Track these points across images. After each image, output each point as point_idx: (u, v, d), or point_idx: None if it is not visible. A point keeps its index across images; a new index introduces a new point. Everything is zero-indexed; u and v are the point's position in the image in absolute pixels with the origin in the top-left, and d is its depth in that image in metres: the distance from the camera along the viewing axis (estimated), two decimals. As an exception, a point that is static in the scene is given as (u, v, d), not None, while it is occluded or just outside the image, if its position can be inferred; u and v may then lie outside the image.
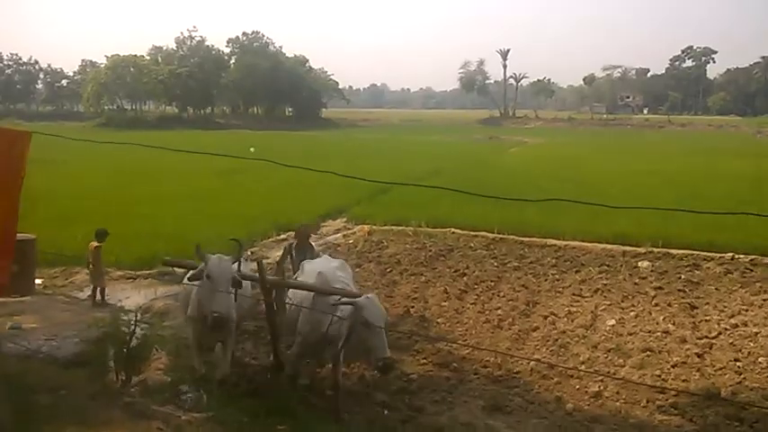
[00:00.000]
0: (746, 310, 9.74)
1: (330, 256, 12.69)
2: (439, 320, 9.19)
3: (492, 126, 70.61)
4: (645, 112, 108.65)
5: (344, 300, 5.60)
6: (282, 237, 14.36)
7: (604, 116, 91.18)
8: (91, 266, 9.68)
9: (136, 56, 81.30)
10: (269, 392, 6.10)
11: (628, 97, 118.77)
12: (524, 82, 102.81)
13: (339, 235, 14.84)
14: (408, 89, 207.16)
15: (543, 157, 31.43)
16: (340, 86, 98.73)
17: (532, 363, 7.64)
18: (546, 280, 11.36)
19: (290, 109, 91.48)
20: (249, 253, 11.31)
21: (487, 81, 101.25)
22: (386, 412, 6.29)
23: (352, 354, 6.00)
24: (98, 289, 9.65)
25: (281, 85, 79.69)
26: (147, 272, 10.96)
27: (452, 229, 14.56)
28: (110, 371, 6.17)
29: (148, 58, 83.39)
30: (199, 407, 5.77)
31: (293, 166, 5.71)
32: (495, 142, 45.20)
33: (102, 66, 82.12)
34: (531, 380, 7.24)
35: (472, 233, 14.32)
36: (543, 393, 6.92)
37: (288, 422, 5.35)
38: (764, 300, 10.22)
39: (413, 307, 9.77)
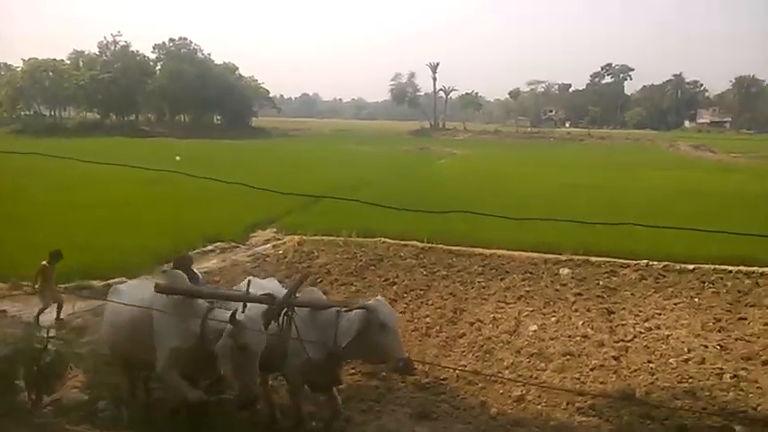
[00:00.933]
0: (659, 314, 10.29)
1: (259, 267, 12.68)
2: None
3: (422, 137, 71.69)
4: (567, 125, 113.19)
5: (356, 305, 5.47)
6: (210, 248, 14.06)
7: (529, 129, 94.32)
8: (37, 285, 9.37)
9: (55, 60, 77.84)
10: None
11: (551, 111, 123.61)
12: (453, 95, 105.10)
13: (269, 245, 14.66)
14: (340, 99, 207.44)
15: (471, 168, 32.19)
16: (271, 95, 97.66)
17: (458, 369, 7.78)
18: (473, 288, 11.63)
19: (218, 117, 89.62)
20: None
21: (418, 93, 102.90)
22: (314, 423, 6.25)
23: (359, 356, 5.96)
24: (56, 306, 9.41)
25: (210, 92, 77.94)
26: (64, 285, 10.46)
27: (382, 239, 14.69)
28: (20, 390, 5.84)
29: (69, 62, 79.90)
30: (117, 425, 5.55)
31: (201, 176, 5.66)
32: (425, 153, 45.89)
33: (19, 69, 78.11)
34: (458, 386, 7.37)
35: (402, 243, 14.50)
36: (469, 399, 7.06)
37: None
38: (676, 304, 10.83)
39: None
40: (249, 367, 4.74)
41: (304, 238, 14.89)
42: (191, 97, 77.96)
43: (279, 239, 15.18)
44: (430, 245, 14.40)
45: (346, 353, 5.49)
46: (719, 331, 9.46)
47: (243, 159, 32.79)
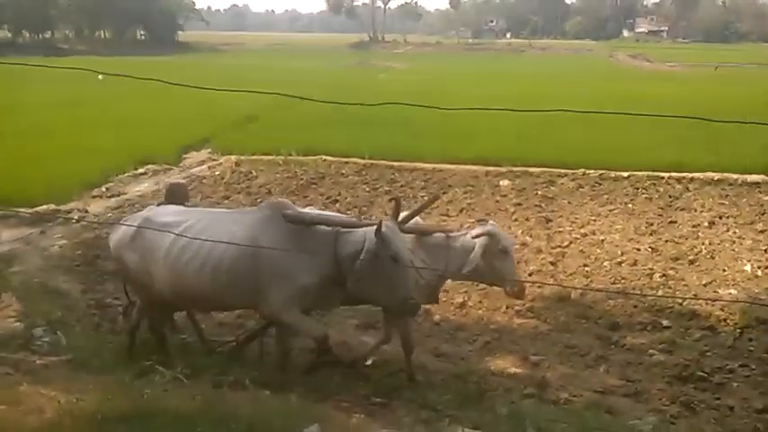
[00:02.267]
0: (595, 221, 10.65)
1: (195, 189, 12.31)
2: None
3: (362, 51, 69.84)
4: (507, 36, 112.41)
5: (477, 231, 5.13)
6: (141, 171, 13.53)
7: (470, 41, 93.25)
8: None
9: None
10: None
11: (492, 21, 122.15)
12: (392, 5, 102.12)
13: (204, 167, 14.21)
14: (273, 11, 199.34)
15: (412, 82, 31.72)
16: (197, 7, 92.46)
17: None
18: (415, 203, 11.66)
19: (142, 32, 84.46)
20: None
21: (355, 3, 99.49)
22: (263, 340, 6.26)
23: (472, 280, 5.77)
24: None
25: (131, 4, 72.96)
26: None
27: (323, 157, 14.46)
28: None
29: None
30: (57, 351, 5.40)
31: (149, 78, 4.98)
32: (365, 67, 44.84)
33: None
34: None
35: (343, 160, 14.33)
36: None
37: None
38: (610, 210, 11.21)
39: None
40: (406, 277, 4.46)
41: (241, 157, 14.49)
42: (111, 11, 72.90)
43: (215, 160, 14.72)
44: (372, 161, 14.29)
45: (458, 277, 5.38)
46: (651, 234, 9.89)
47: (171, 77, 31.18)
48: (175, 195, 5.81)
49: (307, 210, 5.20)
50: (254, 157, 14.54)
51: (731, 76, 38.77)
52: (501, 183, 12.94)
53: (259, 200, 11.58)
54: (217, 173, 13.62)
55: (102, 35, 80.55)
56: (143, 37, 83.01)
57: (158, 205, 5.61)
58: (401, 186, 12.66)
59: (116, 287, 7.59)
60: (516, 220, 10.67)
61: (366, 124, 16.85)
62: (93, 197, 11.67)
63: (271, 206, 4.76)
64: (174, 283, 4.65)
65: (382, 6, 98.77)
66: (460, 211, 11.10)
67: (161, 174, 13.62)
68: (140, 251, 4.77)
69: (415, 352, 5.99)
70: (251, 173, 13.48)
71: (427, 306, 7.18)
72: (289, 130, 16.89)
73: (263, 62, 46.82)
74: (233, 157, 14.50)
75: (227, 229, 4.55)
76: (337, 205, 11.33)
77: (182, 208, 5.24)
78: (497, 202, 11.69)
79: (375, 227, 4.34)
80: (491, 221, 5.47)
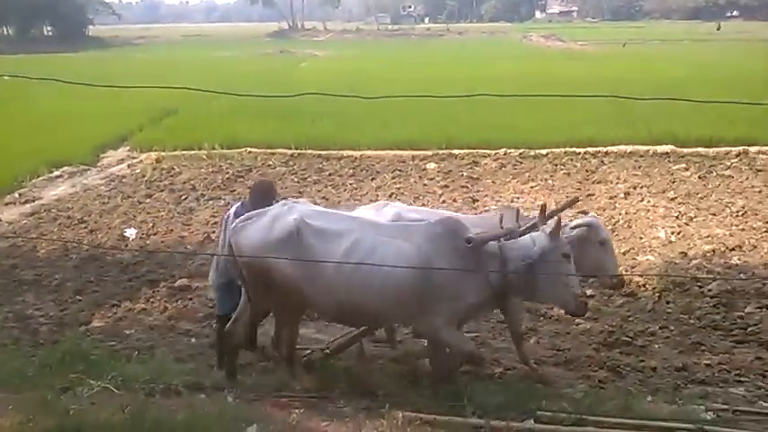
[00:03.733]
0: (518, 198, 10.96)
1: (115, 189, 11.82)
2: (241, 242, 9.00)
3: (282, 39, 68.66)
4: (426, 21, 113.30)
5: (577, 222, 4.99)
6: (56, 173, 12.87)
7: (390, 27, 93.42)
8: None
9: None
10: None
11: (410, 7, 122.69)
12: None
13: (123, 165, 13.66)
14: (187, 2, 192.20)
15: (335, 69, 31.51)
16: (108, 0, 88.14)
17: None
18: (345, 190, 11.67)
19: (49, 28, 79.73)
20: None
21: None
22: (192, 340, 6.12)
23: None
24: None
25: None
26: None
27: (248, 149, 14.20)
28: None
29: None
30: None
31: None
32: (286, 56, 44.10)
33: None
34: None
35: (269, 151, 14.12)
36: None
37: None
38: (532, 187, 11.56)
39: (213, 232, 9.43)
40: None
41: (162, 154, 14.01)
42: (13, 5, 68.24)
43: (134, 158, 14.17)
44: (299, 151, 14.16)
45: None
46: (571, 208, 10.26)
47: (80, 74, 29.68)
48: (266, 195, 5.28)
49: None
50: (175, 152, 14.10)
51: (638, 52, 40.69)
52: (428, 166, 13.11)
53: (184, 196, 11.26)
54: (137, 171, 13.12)
55: (5, 32, 75.47)
56: (50, 33, 78.33)
57: (242, 205, 5.22)
58: (329, 175, 12.61)
59: (37, 297, 7.24)
60: (444, 201, 10.84)
61: (291, 114, 16.64)
62: (6, 204, 11.01)
63: (443, 224, 4.50)
64: (336, 293, 4.31)
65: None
66: (389, 196, 11.14)
67: (78, 175, 13.00)
68: (295, 256, 4.29)
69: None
70: (174, 169, 13.07)
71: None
72: (210, 124, 16.45)
73: (180, 55, 45.32)
74: (153, 154, 14.00)
75: (396, 245, 4.30)
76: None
77: (330, 211, 4.93)
78: (425, 185, 11.84)
79: (540, 231, 4.30)
80: (591, 213, 5.29)
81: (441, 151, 13.90)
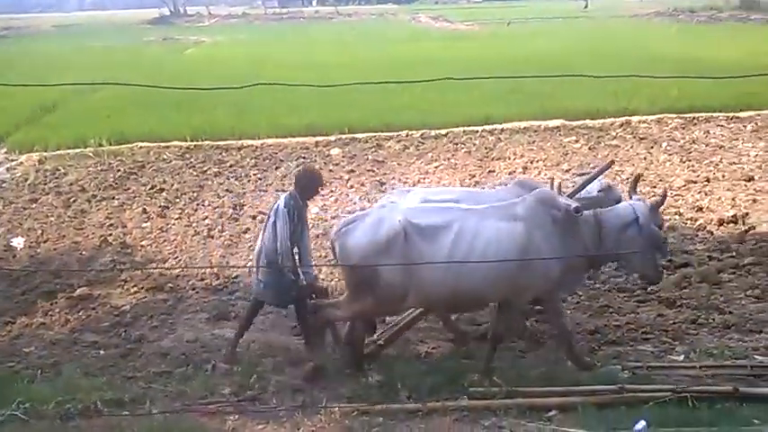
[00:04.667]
0: (424, 178, 11.14)
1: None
2: (143, 243, 8.54)
3: (164, 26, 65.01)
4: (314, 3, 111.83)
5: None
6: None
7: (277, 10, 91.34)
8: None
9: None
10: None
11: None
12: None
13: (2, 169, 12.52)
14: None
15: (227, 56, 30.41)
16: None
17: (249, 263, 7.65)
18: (249, 181, 11.35)
19: None
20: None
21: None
22: (101, 352, 5.73)
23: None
24: None
25: None
26: None
27: (139, 144, 13.46)
28: None
29: None
30: None
31: None
32: (171, 43, 41.96)
33: None
34: (251, 281, 7.27)
35: (163, 145, 13.46)
36: (264, 291, 7.02)
37: None
38: (436, 167, 11.78)
39: (110, 235, 8.89)
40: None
41: (44, 154, 12.95)
42: None
43: (13, 160, 13.01)
44: (195, 143, 13.58)
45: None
46: (475, 186, 10.55)
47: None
48: (312, 182, 5.40)
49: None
50: (59, 152, 13.08)
51: (521, 30, 42.32)
52: (332, 152, 13.01)
53: (72, 199, 10.49)
54: (18, 174, 12.07)
55: None
56: None
57: (290, 196, 5.33)
58: (231, 166, 12.21)
59: None
60: (352, 186, 10.82)
61: (183, 104, 15.89)
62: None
63: (538, 198, 4.63)
64: (446, 284, 4.43)
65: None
66: (296, 184, 10.97)
67: (-53, 183, 11.78)
68: (404, 256, 4.39)
69: (274, 334, 5.90)
70: (59, 170, 12.13)
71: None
72: (95, 119, 15.42)
73: (53, 46, 42.00)
74: (35, 155, 12.92)
75: (495, 227, 4.45)
76: (164, 194, 10.62)
77: (428, 205, 4.92)
78: (331, 171, 11.73)
79: (643, 201, 4.64)
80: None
81: (343, 136, 13.82)
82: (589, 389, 3.74)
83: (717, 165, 10.88)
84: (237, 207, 9.94)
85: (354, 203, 9.88)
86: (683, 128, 13.82)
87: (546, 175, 10.88)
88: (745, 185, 9.45)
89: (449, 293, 4.49)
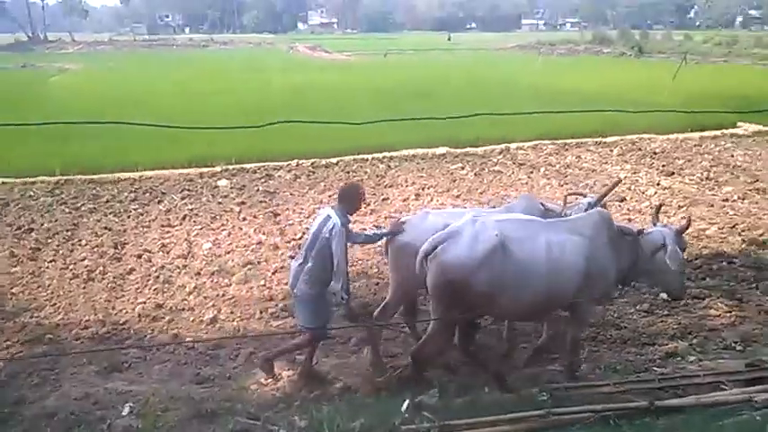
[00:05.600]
0: (318, 208, 10.88)
1: None
2: (13, 291, 7.62)
3: (22, 52, 60.44)
4: (186, 31, 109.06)
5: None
6: None
7: (147, 37, 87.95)
8: None
9: None
10: None
11: (167, 16, 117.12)
12: (51, 1, 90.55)
13: None
14: None
15: (95, 83, 28.66)
16: None
17: (138, 308, 7.08)
18: (129, 217, 10.60)
19: None
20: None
21: (4, 0, 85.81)
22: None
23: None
24: None
25: None
26: None
27: (1, 180, 12.22)
28: None
29: None
30: None
31: None
32: (31, 71, 38.98)
33: None
34: (142, 326, 6.71)
35: (29, 180, 12.32)
36: (159, 336, 6.50)
37: None
38: (330, 196, 11.63)
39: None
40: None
41: None
42: None
43: None
44: (66, 177, 12.54)
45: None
46: (371, 213, 10.56)
47: None
48: (355, 198, 5.33)
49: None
50: None
51: (398, 61, 43.74)
52: (219, 183, 12.51)
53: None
54: None
55: None
56: None
57: (333, 209, 5.22)
58: (107, 201, 11.36)
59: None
60: (245, 219, 10.42)
61: (51, 136, 14.62)
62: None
63: (601, 216, 5.11)
64: (534, 293, 4.73)
65: (40, 3, 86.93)
66: (183, 218, 10.40)
67: None
68: (501, 267, 4.62)
69: (175, 383, 5.45)
70: None
71: (173, 332, 6.60)
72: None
73: None
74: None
75: (572, 240, 4.87)
76: (34, 234, 9.63)
77: (512, 218, 5.15)
78: (220, 203, 11.27)
79: (669, 227, 5.19)
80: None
81: (231, 166, 13.38)
82: (517, 416, 3.74)
83: (591, 187, 11.67)
84: (119, 246, 9.20)
85: (249, 236, 9.51)
86: (557, 153, 14.77)
87: (438, 200, 11.14)
88: (619, 206, 10.16)
89: (536, 300, 4.80)
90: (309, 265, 5.12)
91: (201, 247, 9.03)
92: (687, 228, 5.22)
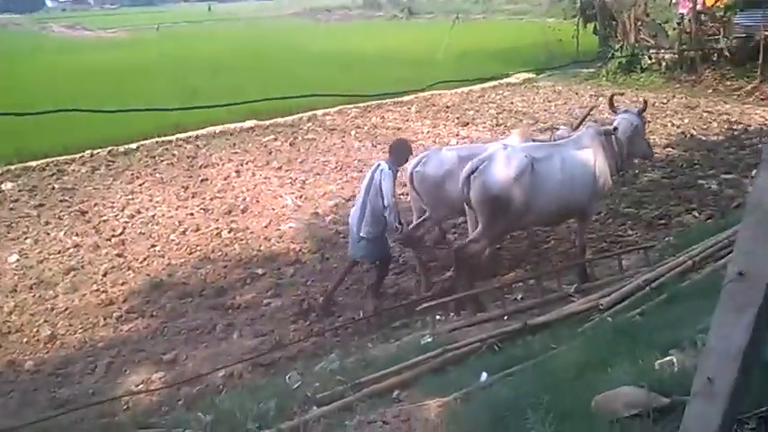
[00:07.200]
0: (132, 199, 10.15)
1: None
2: None
3: None
4: None
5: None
6: None
7: None
8: None
9: None
10: None
11: None
12: None
13: None
14: None
15: None
16: None
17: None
18: None
19: None
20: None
21: None
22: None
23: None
24: None
25: None
26: None
27: None
28: None
29: None
30: None
31: None
32: None
33: None
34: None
35: None
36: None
37: None
38: (141, 184, 10.86)
39: None
40: None
41: None
42: None
43: None
44: None
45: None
46: (194, 197, 10.04)
47: None
48: (405, 150, 6.25)
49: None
50: None
51: (175, 34, 41.12)
52: (4, 187, 10.92)
53: None
54: None
55: None
56: None
57: (386, 162, 6.06)
58: None
59: None
60: (48, 223, 9.28)
61: None
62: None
63: (593, 128, 6.15)
64: (557, 201, 5.66)
65: None
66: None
67: None
68: (529, 184, 5.41)
69: (30, 412, 4.83)
70: None
71: (9, 358, 5.78)
72: None
73: None
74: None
75: (578, 154, 5.78)
76: None
77: (531, 143, 6.27)
78: (12, 210, 9.94)
79: (630, 112, 6.27)
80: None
81: (13, 166, 11.75)
82: (417, 360, 3.96)
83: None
84: None
85: (61, 240, 8.52)
86: (362, 116, 15.25)
87: (261, 175, 10.91)
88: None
89: (561, 204, 5.70)
90: (369, 207, 5.92)
91: (7, 260, 7.89)
92: (645, 109, 6.34)
